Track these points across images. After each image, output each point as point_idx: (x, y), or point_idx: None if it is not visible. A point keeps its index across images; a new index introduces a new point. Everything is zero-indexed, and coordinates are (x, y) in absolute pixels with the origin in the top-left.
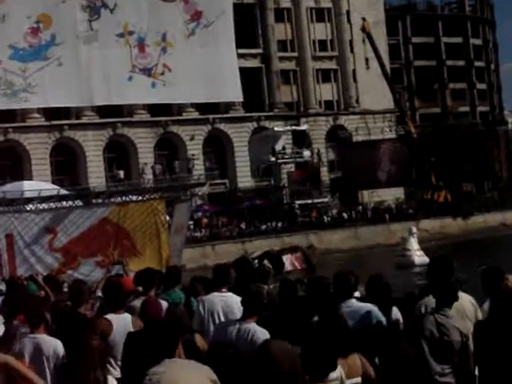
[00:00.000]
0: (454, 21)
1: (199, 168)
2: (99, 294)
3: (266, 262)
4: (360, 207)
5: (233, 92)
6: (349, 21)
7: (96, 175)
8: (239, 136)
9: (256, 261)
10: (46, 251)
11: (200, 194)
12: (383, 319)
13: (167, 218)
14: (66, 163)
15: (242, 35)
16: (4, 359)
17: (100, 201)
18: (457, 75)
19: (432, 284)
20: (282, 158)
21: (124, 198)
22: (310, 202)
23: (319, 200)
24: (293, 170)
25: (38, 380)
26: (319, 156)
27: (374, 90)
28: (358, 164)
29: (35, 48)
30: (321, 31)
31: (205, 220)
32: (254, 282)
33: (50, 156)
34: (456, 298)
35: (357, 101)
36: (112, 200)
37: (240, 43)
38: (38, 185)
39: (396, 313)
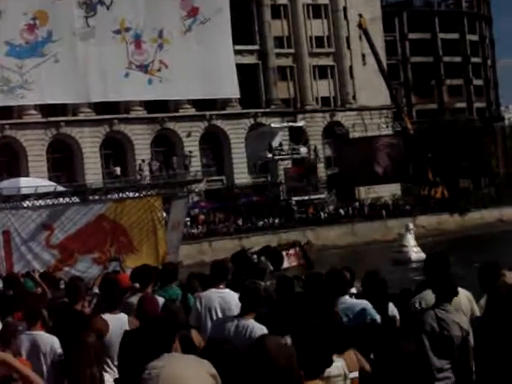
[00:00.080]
0: (451, 17)
1: (196, 165)
2: (96, 290)
3: (263, 257)
4: (357, 203)
5: (229, 88)
6: (345, 17)
7: (93, 172)
8: (236, 132)
9: (255, 256)
10: (42, 248)
11: (197, 190)
12: (377, 317)
13: (164, 214)
14: (63, 160)
15: (239, 31)
16: (1, 357)
17: (97, 197)
18: (453, 71)
19: (430, 279)
20: (279, 155)
21: (121, 195)
22: (306, 198)
23: (316, 196)
24: (290, 166)
25: (35, 377)
26: (316, 152)
27: (370, 87)
28: (355, 160)
29: (32, 45)
30: (317, 28)
31: (202, 216)
32: (251, 279)
33: (47, 153)
34: (456, 293)
35: (353, 97)
36: (109, 197)
37: (237, 39)
38: (35, 181)
39: (392, 309)
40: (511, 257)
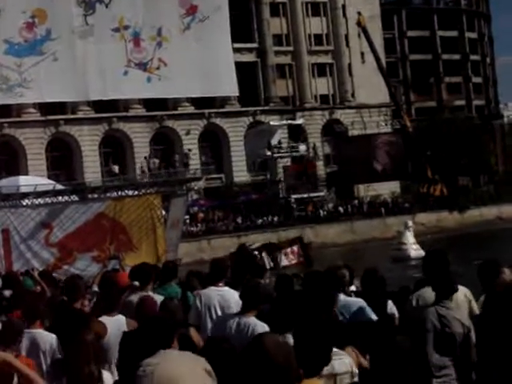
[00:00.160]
0: (450, 14)
1: (195, 163)
2: (95, 288)
3: (265, 253)
4: (356, 201)
5: (228, 86)
6: (344, 15)
7: (92, 170)
8: (235, 130)
9: (256, 252)
10: (42, 246)
11: (196, 188)
12: (373, 315)
13: (163, 212)
14: (62, 158)
15: (238, 29)
16: (2, 357)
17: (96, 196)
18: (452, 69)
19: (430, 277)
20: (278, 153)
21: (120, 193)
22: (305, 196)
23: (315, 194)
24: (289, 164)
25: (35, 377)
26: (315, 150)
27: (369, 84)
28: (354, 158)
29: (30, 43)
30: (316, 25)
31: (201, 214)
32: (250, 277)
33: (46, 151)
34: (455, 290)
35: (352, 95)
36: (108, 195)
37: (235, 37)
38: (34, 180)
39: (391, 307)
40: (510, 254)
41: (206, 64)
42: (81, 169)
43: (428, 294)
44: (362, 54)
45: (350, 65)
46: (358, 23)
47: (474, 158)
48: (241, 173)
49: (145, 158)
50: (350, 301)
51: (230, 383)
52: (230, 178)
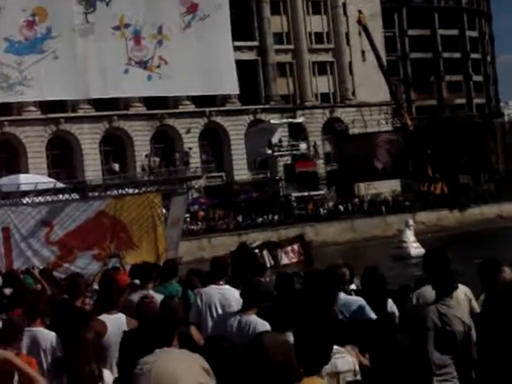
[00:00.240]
0: (450, 13)
1: (195, 161)
2: (96, 287)
3: (266, 251)
4: (356, 199)
5: (229, 85)
6: (345, 13)
7: (92, 168)
8: (235, 129)
9: (257, 250)
10: (42, 244)
11: (196, 186)
12: (372, 314)
13: (164, 210)
14: (62, 156)
15: (238, 28)
16: (2, 355)
17: (96, 194)
18: (453, 67)
19: (429, 275)
20: (279, 151)
21: (120, 191)
22: (306, 194)
23: (316, 192)
24: (289, 162)
25: (35, 375)
26: (315, 148)
27: (370, 83)
28: (355, 156)
29: (31, 41)
30: (317, 24)
31: (201, 213)
32: (250, 275)
33: (46, 149)
34: (455, 287)
35: (353, 93)
36: (108, 193)
37: (236, 36)
38: (35, 178)
39: (391, 305)
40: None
41: (206, 62)
42: (81, 167)
43: (428, 292)
44: (363, 52)
45: (350, 63)
46: (359, 21)
47: (475, 156)
48: (241, 171)
49: (146, 156)
50: (350, 299)
51: (230, 382)
52: (231, 177)
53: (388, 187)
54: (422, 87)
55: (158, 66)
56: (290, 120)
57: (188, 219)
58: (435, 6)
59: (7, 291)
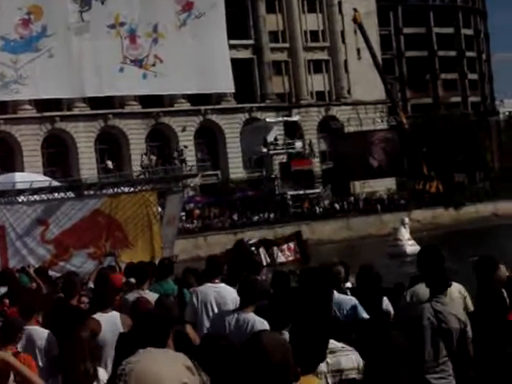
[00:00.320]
0: (446, 11)
1: (191, 159)
2: (91, 285)
3: (261, 249)
4: (352, 198)
5: (224, 83)
6: (340, 11)
7: (88, 167)
8: (231, 127)
9: (253, 248)
10: (38, 243)
11: (192, 185)
12: (365, 314)
13: (159, 209)
14: (58, 155)
15: (234, 26)
16: (1, 356)
17: (92, 192)
18: (448, 65)
19: (424, 273)
20: (274, 149)
21: (116, 190)
22: (301, 192)
23: (311, 191)
24: (285, 160)
25: (33, 376)
26: (311, 147)
27: (365, 81)
28: (350, 155)
29: (26, 39)
30: (312, 22)
31: (197, 211)
32: (246, 274)
33: (42, 147)
34: (449, 285)
35: (348, 91)
36: (104, 191)
37: (231, 34)
38: (30, 176)
39: (387, 303)
40: (506, 251)
41: (201, 60)
42: (77, 165)
43: (422, 290)
44: (358, 50)
45: (346, 61)
46: (354, 20)
47: (470, 154)
48: (237, 169)
49: (145, 154)
50: (343, 299)
51: (227, 381)
52: (226, 175)
53: (383, 185)
54: (417, 85)
55: (154, 65)
56: (285, 118)
57: (184, 217)
58: (430, 4)
59: (2, 290)
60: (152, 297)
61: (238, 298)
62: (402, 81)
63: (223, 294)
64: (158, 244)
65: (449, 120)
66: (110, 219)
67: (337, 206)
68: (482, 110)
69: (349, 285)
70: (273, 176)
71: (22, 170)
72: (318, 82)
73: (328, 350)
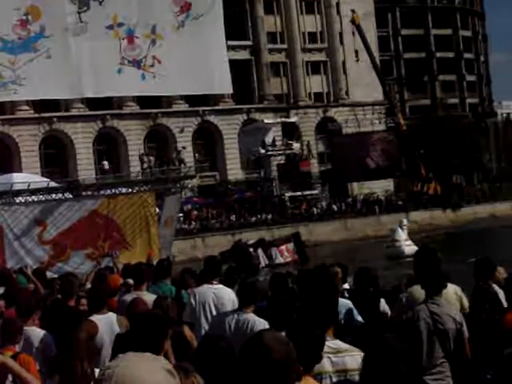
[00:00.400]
0: (444, 13)
1: (189, 160)
2: (89, 286)
3: (260, 250)
4: (350, 199)
5: (222, 84)
6: (338, 13)
7: (85, 168)
8: (229, 128)
9: (251, 249)
10: (35, 244)
11: (190, 186)
12: (359, 318)
13: (157, 210)
14: (56, 155)
15: (232, 27)
16: (0, 360)
17: (89, 193)
18: (446, 67)
19: (419, 274)
20: (272, 151)
21: (113, 191)
22: (299, 194)
23: (309, 192)
24: (282, 162)
25: (32, 379)
26: (309, 148)
27: (363, 82)
28: (348, 156)
29: (24, 40)
30: (310, 23)
31: (195, 212)
32: (244, 275)
33: (40, 148)
34: (444, 286)
35: (346, 93)
36: (101, 192)
37: (229, 35)
38: (28, 177)
39: (384, 305)
40: (503, 252)
41: (200, 62)
42: (74, 166)
43: (419, 292)
44: (356, 52)
45: (344, 63)
46: (352, 21)
47: (468, 156)
48: (235, 170)
49: (146, 154)
50: (339, 302)
51: (226, 382)
52: (224, 176)
53: (381, 187)
54: (415, 87)
55: (152, 66)
56: (283, 119)
57: (181, 219)
58: (428, 6)
59: (0, 290)
60: (150, 298)
61: (236, 299)
62: (400, 82)
63: (221, 294)
64: (155, 245)
65: (447, 121)
66: (108, 220)
67: (335, 207)
68: (480, 111)
69: (346, 286)
70: (271, 177)
71: (20, 171)
72: (316, 84)
73: (334, 350)
